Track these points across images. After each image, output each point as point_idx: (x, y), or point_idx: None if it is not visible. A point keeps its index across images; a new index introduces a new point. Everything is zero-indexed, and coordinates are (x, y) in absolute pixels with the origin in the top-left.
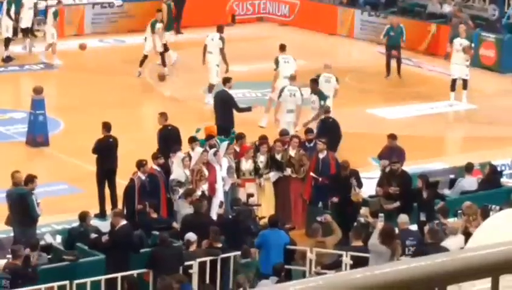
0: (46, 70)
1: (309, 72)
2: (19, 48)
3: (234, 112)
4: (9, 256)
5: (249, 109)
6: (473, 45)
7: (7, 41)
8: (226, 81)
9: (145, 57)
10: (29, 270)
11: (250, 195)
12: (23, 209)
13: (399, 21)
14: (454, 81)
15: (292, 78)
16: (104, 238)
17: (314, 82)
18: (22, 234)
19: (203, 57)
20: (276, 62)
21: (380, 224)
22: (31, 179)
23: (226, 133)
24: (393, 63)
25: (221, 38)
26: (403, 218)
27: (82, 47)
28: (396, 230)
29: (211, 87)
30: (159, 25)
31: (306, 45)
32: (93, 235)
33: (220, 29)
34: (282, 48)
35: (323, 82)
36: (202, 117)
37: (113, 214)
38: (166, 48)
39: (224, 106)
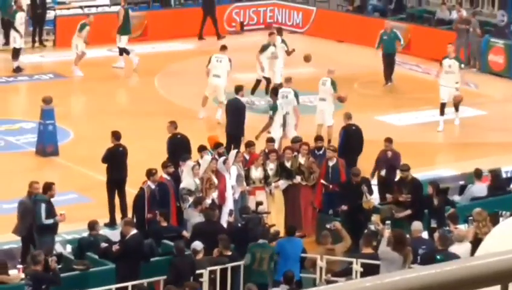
0: (55, 80)
1: (317, 79)
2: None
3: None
4: (20, 266)
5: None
6: (462, 65)
7: (16, 52)
8: (239, 89)
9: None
10: (50, 274)
11: (259, 203)
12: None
13: (392, 25)
14: (443, 105)
15: (287, 80)
16: (115, 247)
17: (274, 93)
18: (40, 243)
19: (207, 76)
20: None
21: (387, 231)
22: (49, 186)
23: (236, 142)
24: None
25: (230, 61)
26: (417, 226)
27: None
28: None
29: (221, 104)
30: (87, 28)
31: (315, 52)
32: (104, 245)
33: (224, 49)
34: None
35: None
36: (212, 126)
37: (124, 223)
38: (126, 51)
39: (236, 115)
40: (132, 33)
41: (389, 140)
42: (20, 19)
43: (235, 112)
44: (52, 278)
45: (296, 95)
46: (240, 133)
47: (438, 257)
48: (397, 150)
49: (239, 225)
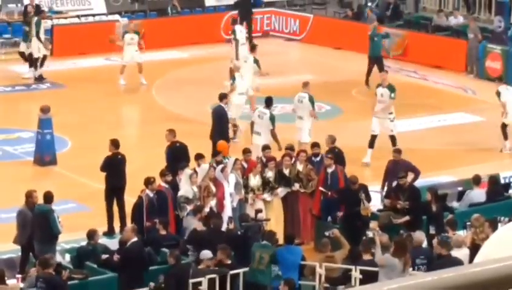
0: (52, 89)
1: (316, 86)
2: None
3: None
4: (19, 276)
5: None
6: (392, 95)
7: (40, 61)
8: (223, 97)
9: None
10: (62, 277)
11: (258, 211)
12: (44, 226)
13: (381, 28)
14: (373, 137)
15: (305, 84)
16: (115, 256)
17: (268, 104)
18: (42, 252)
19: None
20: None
21: (380, 238)
22: (51, 196)
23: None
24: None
25: (272, 118)
26: (419, 236)
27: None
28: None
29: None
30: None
31: (313, 59)
32: (104, 256)
33: (269, 103)
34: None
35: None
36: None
37: (127, 229)
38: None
39: (220, 122)
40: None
41: (397, 151)
42: (43, 28)
43: (220, 120)
44: (63, 281)
45: (312, 100)
46: (225, 140)
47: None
48: (406, 160)
49: (238, 232)
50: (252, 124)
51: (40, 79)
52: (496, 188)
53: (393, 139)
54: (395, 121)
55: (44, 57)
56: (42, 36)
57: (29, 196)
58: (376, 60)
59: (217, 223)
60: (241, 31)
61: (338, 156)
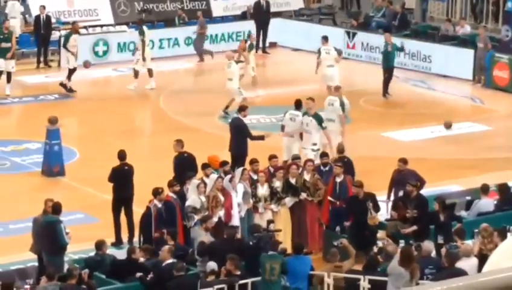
0: (60, 101)
1: (323, 96)
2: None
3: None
4: (27, 287)
5: (262, 138)
6: (323, 125)
7: (70, 73)
8: (241, 109)
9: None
10: (83, 287)
11: (270, 221)
12: (52, 237)
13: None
14: None
15: (336, 88)
16: (150, 276)
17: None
18: (50, 262)
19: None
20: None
21: (392, 247)
22: (60, 207)
23: (240, 161)
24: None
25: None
26: (428, 246)
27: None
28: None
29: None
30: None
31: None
32: (138, 274)
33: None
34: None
35: (327, 105)
36: (218, 145)
37: (164, 250)
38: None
39: (238, 134)
40: None
41: (403, 160)
42: (74, 40)
43: (238, 132)
44: None
45: (342, 104)
46: (243, 152)
47: None
48: (412, 169)
49: (250, 243)
50: (283, 127)
51: (70, 90)
52: (507, 196)
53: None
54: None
55: (74, 69)
56: (72, 48)
57: (45, 204)
58: (389, 71)
59: (231, 233)
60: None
61: (347, 165)
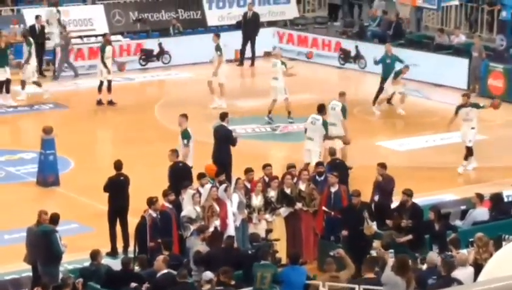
0: (55, 110)
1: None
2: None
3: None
4: None
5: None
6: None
7: (101, 85)
8: (225, 116)
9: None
10: None
11: (269, 231)
12: (47, 246)
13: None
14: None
15: (341, 94)
16: (145, 286)
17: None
18: (45, 272)
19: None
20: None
21: (390, 259)
22: (57, 218)
23: (225, 169)
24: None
25: (325, 124)
26: (432, 256)
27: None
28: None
29: None
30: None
31: (314, 77)
32: (133, 285)
33: (321, 110)
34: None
35: (330, 109)
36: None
37: (159, 260)
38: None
39: (224, 142)
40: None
41: (381, 165)
42: (109, 52)
43: (224, 140)
44: None
45: (344, 110)
46: (228, 159)
47: None
48: (391, 175)
49: (249, 252)
50: (305, 130)
51: (99, 103)
52: (501, 206)
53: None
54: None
55: (109, 82)
56: (107, 61)
57: (39, 216)
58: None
59: (229, 243)
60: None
61: (340, 167)
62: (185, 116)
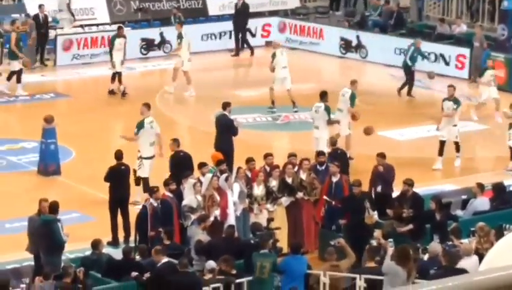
0: (56, 100)
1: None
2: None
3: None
4: (23, 285)
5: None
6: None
7: (113, 76)
8: (227, 105)
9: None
10: (79, 286)
11: (270, 219)
12: (49, 236)
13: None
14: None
15: (352, 82)
16: (146, 275)
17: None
18: (48, 262)
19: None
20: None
21: (390, 248)
22: (57, 206)
23: (225, 158)
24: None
25: (327, 109)
26: (434, 247)
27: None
28: (426, 256)
29: None
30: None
31: (316, 67)
32: (134, 274)
33: (323, 96)
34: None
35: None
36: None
37: (155, 252)
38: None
39: (226, 131)
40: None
41: (381, 155)
42: (119, 44)
43: (226, 129)
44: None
45: (353, 97)
46: (230, 148)
47: None
48: (391, 164)
49: (252, 241)
50: (313, 120)
51: (111, 93)
52: (503, 196)
53: None
54: None
55: (119, 74)
56: (116, 53)
57: (39, 204)
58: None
59: (230, 232)
60: None
61: (340, 157)
62: (147, 105)
